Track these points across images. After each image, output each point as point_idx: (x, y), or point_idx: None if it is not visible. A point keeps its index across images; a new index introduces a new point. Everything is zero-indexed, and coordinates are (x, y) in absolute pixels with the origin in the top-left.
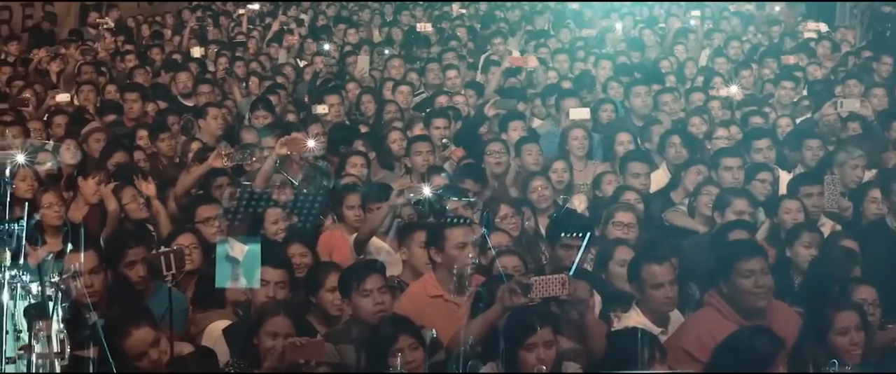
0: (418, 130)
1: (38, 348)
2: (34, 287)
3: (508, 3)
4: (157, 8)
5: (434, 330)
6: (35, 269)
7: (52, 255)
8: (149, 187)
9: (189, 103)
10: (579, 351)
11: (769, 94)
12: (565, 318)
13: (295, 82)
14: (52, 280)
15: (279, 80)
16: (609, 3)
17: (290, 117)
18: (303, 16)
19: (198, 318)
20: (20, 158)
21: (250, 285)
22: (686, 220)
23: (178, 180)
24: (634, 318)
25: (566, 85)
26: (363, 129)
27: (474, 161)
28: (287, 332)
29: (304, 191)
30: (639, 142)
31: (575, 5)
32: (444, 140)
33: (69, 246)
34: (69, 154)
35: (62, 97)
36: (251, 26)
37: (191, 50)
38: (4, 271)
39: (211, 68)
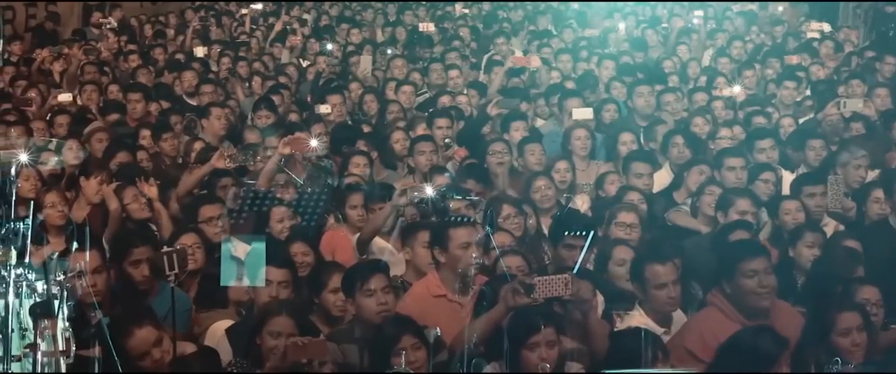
0: (421, 130)
1: (43, 346)
2: (39, 286)
3: (511, 3)
4: (160, 8)
5: (438, 329)
6: (40, 268)
7: (57, 254)
8: (151, 190)
9: (193, 103)
10: (582, 351)
11: (772, 94)
12: (568, 318)
13: (298, 82)
14: (58, 279)
15: (282, 80)
16: (612, 3)
17: (293, 117)
18: (306, 16)
19: (200, 318)
20: (23, 157)
21: (254, 284)
22: (688, 220)
23: (180, 181)
24: (637, 318)
25: (569, 85)
26: (366, 129)
27: (477, 161)
28: (289, 332)
29: (309, 190)
30: (643, 142)
31: (578, 5)
32: (446, 140)
33: (75, 245)
34: (71, 154)
35: (64, 97)
36: (254, 26)
37: (194, 50)
38: (10, 269)
39: (214, 68)
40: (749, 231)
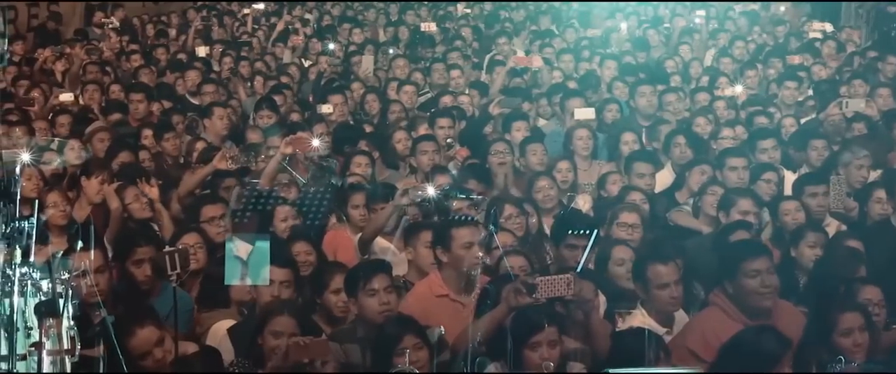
0: (423, 130)
1: (48, 345)
2: (45, 284)
3: (513, 3)
4: (163, 7)
5: (442, 328)
6: (45, 266)
7: (61, 252)
8: (152, 190)
9: (196, 102)
10: (584, 351)
11: (774, 94)
12: (570, 318)
13: (300, 82)
14: (63, 278)
15: (284, 79)
16: (614, 2)
17: (295, 117)
18: (308, 15)
19: (202, 317)
20: (26, 157)
21: (256, 283)
22: (690, 220)
23: (181, 181)
24: (639, 318)
25: (571, 85)
26: (368, 128)
27: (479, 161)
28: (291, 331)
29: (313, 189)
30: (647, 141)
31: (579, 5)
32: (448, 140)
33: (80, 244)
34: (73, 154)
35: (66, 97)
36: (256, 26)
37: (196, 49)
38: (15, 268)
39: (216, 68)
40: (749, 231)
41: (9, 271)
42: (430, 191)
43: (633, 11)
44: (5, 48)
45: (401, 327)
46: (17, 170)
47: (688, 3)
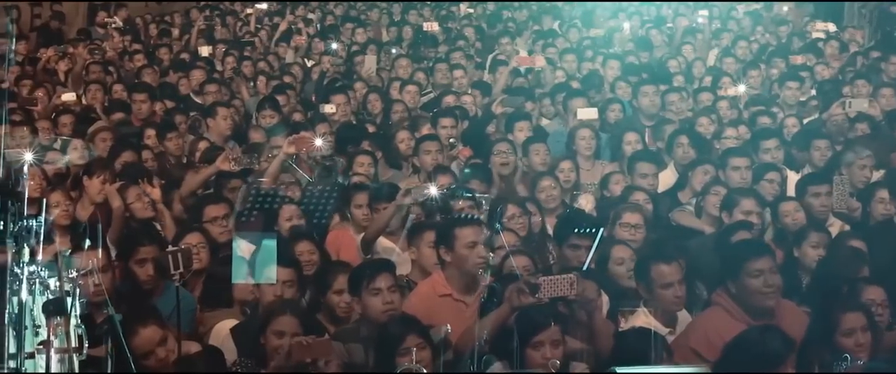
0: (426, 129)
1: (56, 343)
2: (52, 283)
3: (516, 3)
4: (166, 7)
5: (449, 326)
6: (52, 265)
7: (69, 251)
8: (154, 191)
9: (200, 101)
10: (587, 351)
11: (777, 94)
12: (573, 318)
13: (302, 82)
14: (70, 276)
15: (287, 79)
16: (617, 2)
17: (298, 117)
18: (311, 15)
19: (205, 317)
20: (29, 157)
21: (260, 281)
22: (692, 220)
23: (184, 181)
24: (642, 318)
25: (574, 85)
26: (370, 128)
27: (481, 161)
28: (294, 331)
29: (319, 188)
30: (651, 141)
31: (583, 5)
32: (451, 140)
33: (87, 242)
34: (76, 154)
35: (68, 96)
36: (259, 26)
37: (199, 49)
38: (24, 267)
39: (219, 68)
40: (751, 232)
41: (17, 270)
42: (433, 191)
43: (636, 11)
44: (12, 48)
45: (403, 327)
46: (25, 169)
47: (691, 3)
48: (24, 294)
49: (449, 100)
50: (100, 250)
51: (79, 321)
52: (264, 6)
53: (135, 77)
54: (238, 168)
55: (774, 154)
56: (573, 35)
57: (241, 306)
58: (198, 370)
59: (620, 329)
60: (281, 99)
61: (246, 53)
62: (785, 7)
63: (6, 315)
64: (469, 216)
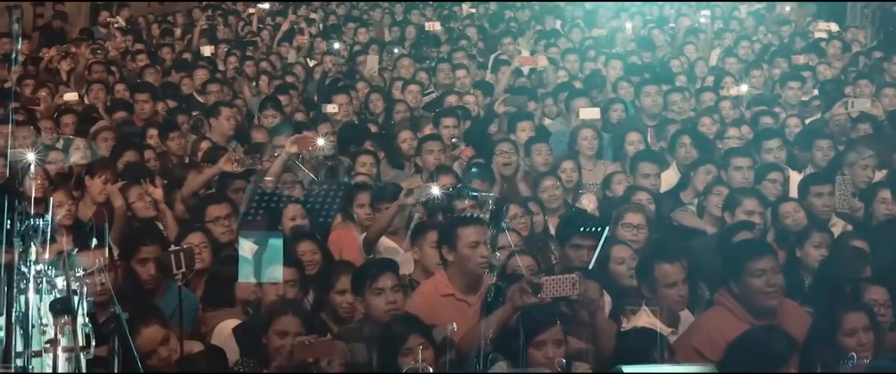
0: (428, 129)
1: (63, 341)
2: (59, 282)
3: (518, 3)
4: (168, 7)
5: (455, 325)
6: (58, 263)
7: (76, 250)
8: (156, 191)
9: (202, 101)
10: (589, 351)
11: (779, 94)
12: (575, 318)
13: (305, 81)
14: (77, 275)
15: (289, 79)
16: (619, 2)
17: (300, 116)
18: (313, 15)
19: (207, 317)
20: (32, 156)
21: (271, 280)
22: (694, 220)
23: (186, 181)
24: (644, 318)
25: (576, 85)
26: (372, 128)
27: (484, 161)
28: (296, 331)
29: (325, 187)
30: (653, 141)
31: (586, 5)
32: (453, 140)
33: (94, 241)
34: (79, 153)
35: (70, 96)
36: (261, 25)
37: (201, 49)
38: (31, 266)
39: (221, 67)
40: (752, 232)
41: (24, 269)
42: (435, 190)
43: (639, 11)
44: (18, 48)
45: (406, 326)
46: (32, 168)
47: (693, 3)
48: (32, 293)
49: (451, 100)
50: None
51: (86, 319)
52: (267, 6)
53: (137, 77)
54: (241, 169)
55: (777, 154)
56: (575, 35)
57: (244, 305)
58: (200, 370)
59: (622, 329)
60: (283, 99)
61: (248, 53)
62: (787, 7)
63: (14, 314)
64: (471, 216)
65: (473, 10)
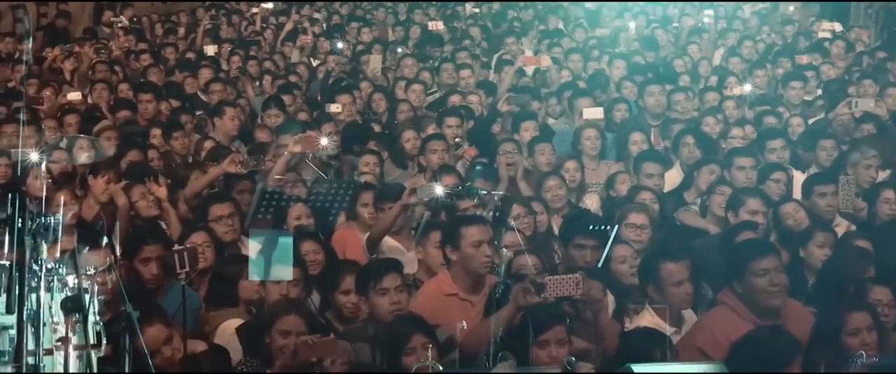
0: (431, 129)
1: (74, 340)
2: (70, 280)
3: (521, 3)
4: (171, 7)
5: (465, 323)
6: (70, 261)
7: (87, 248)
8: (160, 190)
9: (206, 100)
10: (592, 351)
11: (782, 94)
12: (579, 318)
13: (308, 81)
14: (88, 273)
15: (292, 78)
16: (622, 2)
17: (303, 116)
18: (316, 14)
19: (211, 316)
20: (35, 156)
21: (280, 279)
22: (697, 219)
23: (189, 182)
24: (647, 318)
25: (580, 84)
26: (376, 128)
27: (487, 160)
28: (299, 330)
29: (336, 185)
30: (661, 139)
31: (589, 4)
32: (457, 139)
33: (105, 240)
34: (83, 152)
35: (74, 95)
36: (264, 25)
37: (204, 48)
38: (42, 264)
39: (224, 67)
40: (755, 232)
41: (35, 267)
42: (439, 190)
43: (642, 11)
44: (29, 47)
45: (409, 326)
46: (43, 167)
47: (696, 3)
48: (42, 291)
49: (454, 99)
50: (106, 249)
51: (97, 318)
52: (270, 5)
53: (141, 76)
54: (244, 171)
55: (780, 154)
56: (579, 35)
57: (247, 305)
58: (203, 370)
59: (626, 329)
60: (286, 98)
61: (252, 53)
62: (791, 6)
63: (25, 312)
64: (475, 215)
65: (477, 10)
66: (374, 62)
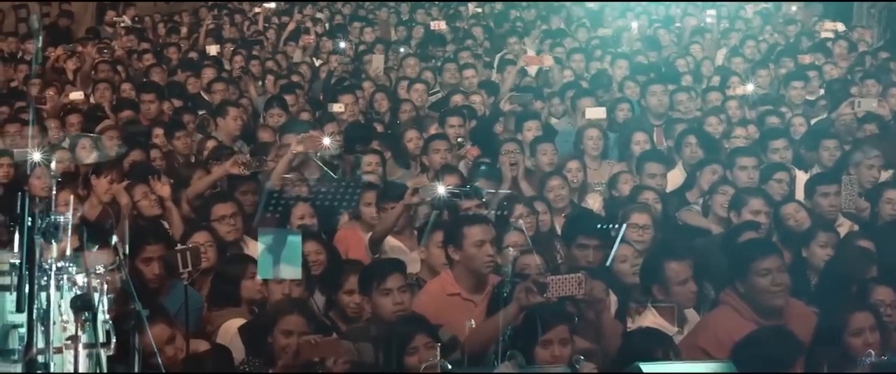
0: (434, 128)
1: (84, 338)
2: (79, 279)
3: (524, 3)
4: (174, 6)
5: (473, 322)
6: (80, 260)
7: (96, 247)
8: (163, 189)
9: (209, 100)
10: (595, 351)
11: (785, 93)
12: (581, 317)
13: (310, 81)
14: (98, 272)
15: (295, 78)
16: (625, 2)
17: (306, 116)
18: (319, 14)
19: (213, 316)
20: (37, 156)
21: (288, 278)
22: (699, 219)
23: (192, 182)
24: (650, 318)
25: (582, 84)
26: (378, 127)
27: (490, 160)
28: (302, 330)
29: (343, 184)
30: (662, 140)
31: (591, 4)
32: (459, 139)
33: (114, 239)
34: (86, 152)
35: (76, 95)
36: (267, 25)
37: (207, 48)
38: (52, 263)
39: (227, 67)
40: (757, 232)
41: (45, 266)
42: (441, 190)
43: (645, 11)
44: (38, 47)
45: (411, 326)
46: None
47: (699, 3)
48: (52, 290)
49: (457, 99)
50: (108, 249)
51: (106, 316)
52: (272, 5)
53: (143, 76)
54: (247, 173)
55: (783, 154)
56: (581, 34)
57: (249, 305)
58: (206, 369)
59: (628, 329)
60: (289, 98)
61: (254, 52)
62: (794, 6)
63: (35, 311)
64: (477, 215)
65: (479, 10)
66: (377, 62)
